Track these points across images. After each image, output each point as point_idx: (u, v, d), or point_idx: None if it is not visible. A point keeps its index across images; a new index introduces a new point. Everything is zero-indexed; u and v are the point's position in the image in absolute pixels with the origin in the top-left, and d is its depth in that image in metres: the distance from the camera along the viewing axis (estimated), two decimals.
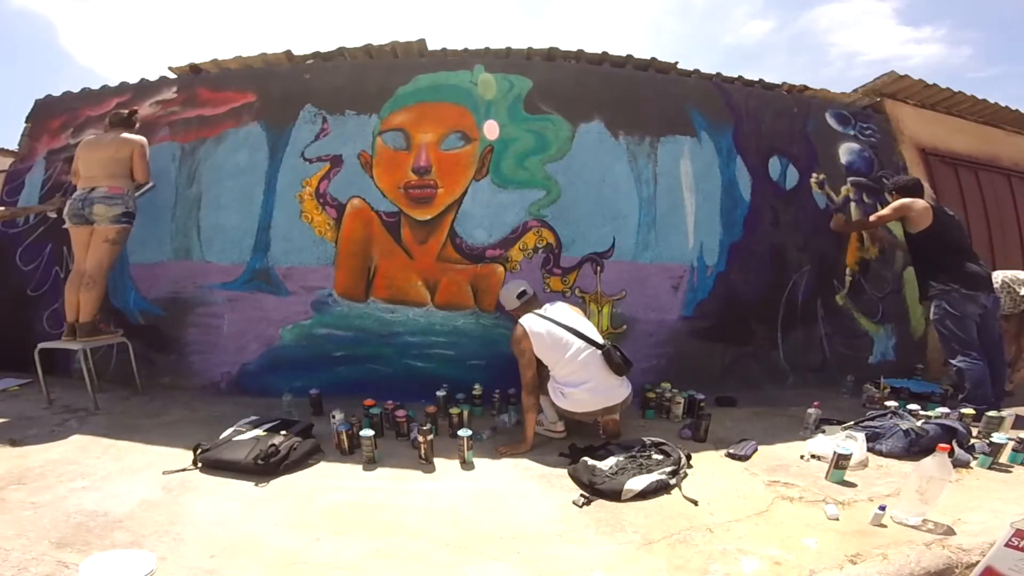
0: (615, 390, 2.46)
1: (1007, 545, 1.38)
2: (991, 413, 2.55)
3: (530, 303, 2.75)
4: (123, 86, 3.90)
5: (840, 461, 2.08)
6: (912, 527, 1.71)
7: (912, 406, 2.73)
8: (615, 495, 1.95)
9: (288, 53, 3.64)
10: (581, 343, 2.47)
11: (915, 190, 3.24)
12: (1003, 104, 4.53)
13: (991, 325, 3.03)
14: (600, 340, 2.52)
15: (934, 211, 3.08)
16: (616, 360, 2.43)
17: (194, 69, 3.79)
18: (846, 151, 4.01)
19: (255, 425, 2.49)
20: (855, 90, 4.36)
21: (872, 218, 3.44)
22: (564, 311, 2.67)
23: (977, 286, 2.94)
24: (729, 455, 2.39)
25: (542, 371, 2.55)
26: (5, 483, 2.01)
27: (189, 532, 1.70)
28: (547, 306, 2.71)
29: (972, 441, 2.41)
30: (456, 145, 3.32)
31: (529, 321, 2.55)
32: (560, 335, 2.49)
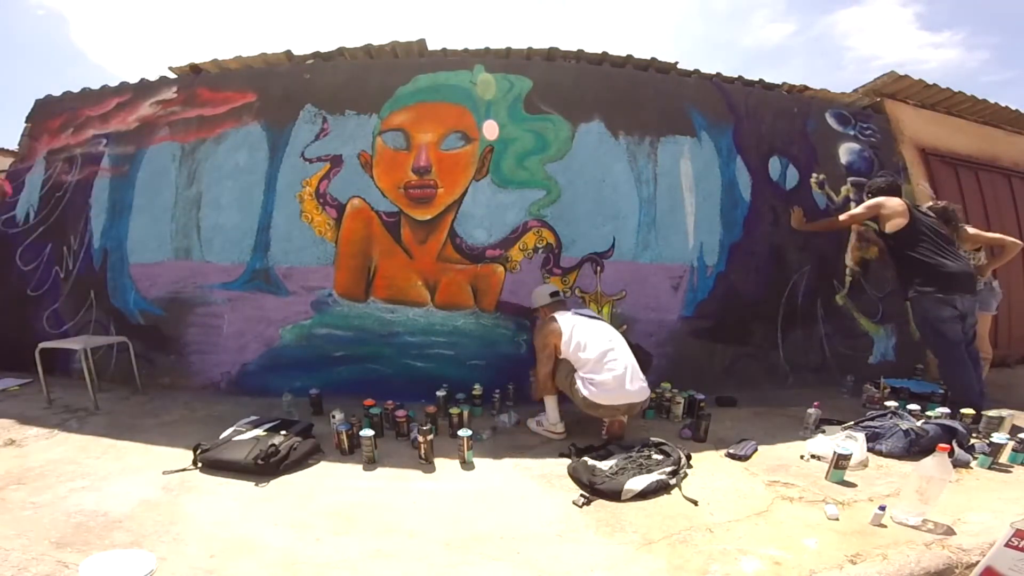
0: (640, 387, 2.48)
1: (1007, 545, 1.38)
2: (991, 413, 2.55)
3: (559, 304, 2.83)
4: (123, 86, 3.90)
5: (840, 461, 2.09)
6: (912, 527, 1.71)
7: (912, 406, 2.73)
8: (615, 495, 1.95)
9: (288, 53, 3.63)
10: (609, 337, 2.56)
11: (890, 191, 3.16)
12: (1004, 104, 4.53)
13: (967, 325, 2.95)
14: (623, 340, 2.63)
15: (910, 210, 2.99)
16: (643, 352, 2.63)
17: (194, 69, 3.79)
18: (846, 151, 4.00)
19: (255, 425, 2.49)
20: (855, 90, 4.35)
21: (843, 216, 3.33)
22: (593, 314, 2.79)
23: (952, 288, 2.83)
24: (729, 455, 2.39)
25: (561, 367, 2.59)
26: (5, 483, 2.01)
27: (189, 532, 1.70)
28: (576, 310, 2.80)
29: (972, 441, 2.41)
30: (456, 145, 3.32)
31: (560, 316, 2.65)
32: (591, 330, 2.56)
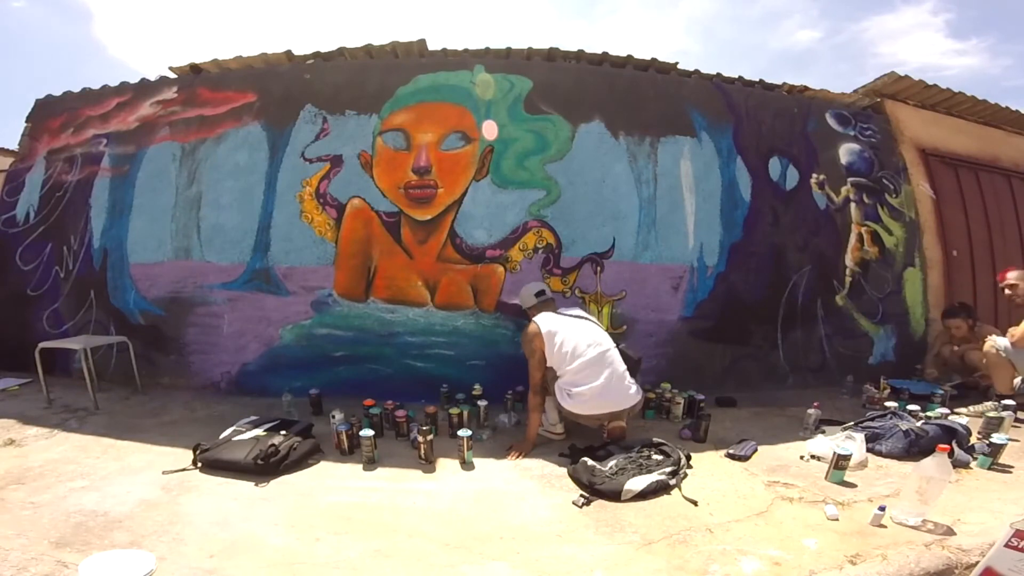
0: (623, 395, 2.42)
1: (1007, 546, 1.38)
2: (991, 413, 2.55)
3: (546, 304, 2.75)
4: (123, 86, 3.91)
5: (840, 461, 2.09)
6: (912, 527, 1.71)
7: (912, 407, 2.73)
8: (615, 495, 1.95)
9: (288, 53, 3.63)
10: (592, 343, 2.46)
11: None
12: (1003, 104, 4.53)
13: None
14: (612, 342, 2.55)
15: None
16: (632, 358, 2.49)
17: (194, 69, 3.79)
18: (846, 151, 4.01)
19: (255, 425, 2.49)
20: (855, 90, 4.36)
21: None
22: (580, 313, 2.71)
23: None
24: (729, 455, 2.39)
25: (548, 373, 2.53)
26: (5, 483, 2.01)
27: (189, 532, 1.70)
28: (563, 310, 2.73)
29: (972, 442, 2.41)
30: (456, 145, 3.32)
31: (542, 319, 2.55)
32: (573, 335, 2.47)
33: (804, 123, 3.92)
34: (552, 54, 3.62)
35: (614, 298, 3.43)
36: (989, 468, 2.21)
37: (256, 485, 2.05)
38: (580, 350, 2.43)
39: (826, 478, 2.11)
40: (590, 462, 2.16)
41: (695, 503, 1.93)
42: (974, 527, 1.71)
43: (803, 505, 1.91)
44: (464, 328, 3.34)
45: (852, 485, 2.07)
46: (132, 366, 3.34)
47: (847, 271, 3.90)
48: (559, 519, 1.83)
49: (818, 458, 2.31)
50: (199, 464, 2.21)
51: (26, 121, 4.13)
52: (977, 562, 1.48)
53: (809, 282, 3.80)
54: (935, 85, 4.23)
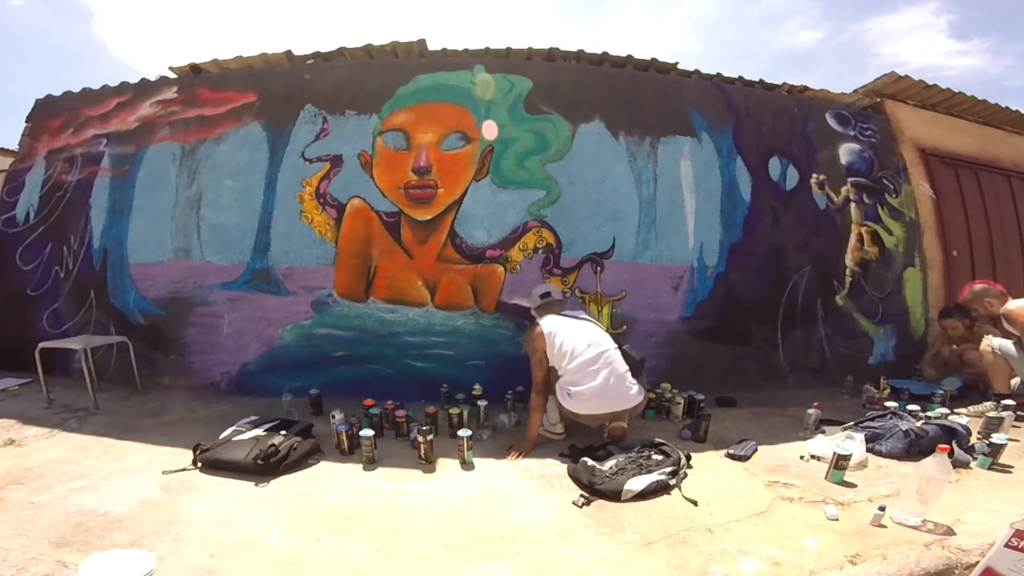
0: (624, 395, 2.42)
1: (1007, 546, 1.38)
2: (991, 413, 2.55)
3: (552, 306, 2.75)
4: (123, 86, 3.91)
5: (840, 461, 2.08)
6: (912, 527, 1.71)
7: (912, 407, 2.73)
8: (615, 495, 1.95)
9: (288, 53, 3.63)
10: (592, 343, 2.47)
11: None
12: (1003, 104, 4.53)
13: None
14: (613, 344, 2.55)
15: None
16: (635, 359, 2.49)
17: (194, 69, 3.79)
18: (846, 151, 4.00)
19: (255, 425, 2.49)
20: (855, 90, 4.36)
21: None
22: (583, 315, 2.73)
23: None
24: (729, 455, 2.39)
25: (551, 373, 2.54)
26: (5, 483, 2.01)
27: (189, 532, 1.70)
28: (568, 312, 2.75)
29: (972, 442, 2.41)
30: (456, 145, 3.32)
31: (546, 321, 2.59)
32: (573, 336, 2.49)
33: (804, 123, 3.92)
34: (552, 54, 3.61)
35: (614, 298, 3.43)
36: (989, 468, 2.21)
37: (256, 485, 2.05)
38: (579, 350, 2.43)
39: (826, 478, 2.11)
40: (590, 462, 2.16)
41: (695, 503, 1.93)
42: (974, 527, 1.71)
43: (803, 505, 1.91)
44: (464, 328, 3.34)
45: (852, 485, 2.06)
46: (132, 366, 3.34)
47: (847, 271, 3.90)
48: (559, 519, 1.83)
49: (818, 458, 2.31)
50: (199, 464, 2.21)
51: (26, 121, 4.13)
52: (977, 562, 1.48)
53: (809, 282, 3.80)
54: (935, 85, 4.23)
